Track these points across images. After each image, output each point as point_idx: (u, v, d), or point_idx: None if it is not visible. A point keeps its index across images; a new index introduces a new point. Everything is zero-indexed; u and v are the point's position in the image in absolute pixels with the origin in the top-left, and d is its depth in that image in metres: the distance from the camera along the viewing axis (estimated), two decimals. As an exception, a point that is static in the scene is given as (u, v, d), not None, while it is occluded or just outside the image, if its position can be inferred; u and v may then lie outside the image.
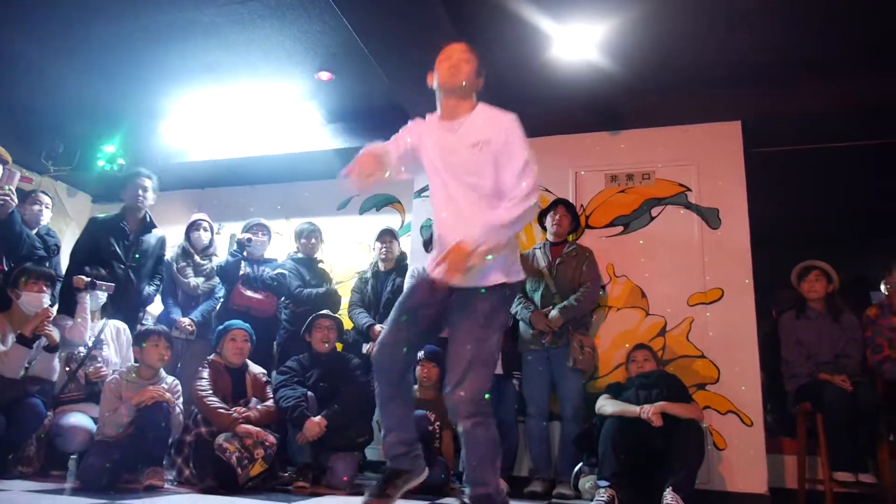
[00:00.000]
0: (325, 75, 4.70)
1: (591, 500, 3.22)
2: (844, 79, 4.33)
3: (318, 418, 3.52)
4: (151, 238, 4.37)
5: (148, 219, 4.40)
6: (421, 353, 3.89)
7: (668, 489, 3.13)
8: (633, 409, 3.43)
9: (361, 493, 3.40)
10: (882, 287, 4.37)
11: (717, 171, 4.55)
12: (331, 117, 5.40)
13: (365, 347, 4.40)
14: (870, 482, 3.54)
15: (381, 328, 4.40)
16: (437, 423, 3.78)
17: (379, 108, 5.13)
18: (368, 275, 4.73)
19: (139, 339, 3.61)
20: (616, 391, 3.68)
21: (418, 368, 3.87)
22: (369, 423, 3.95)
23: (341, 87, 4.89)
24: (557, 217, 4.24)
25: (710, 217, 4.48)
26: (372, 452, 4.46)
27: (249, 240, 4.49)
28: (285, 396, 3.58)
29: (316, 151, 5.46)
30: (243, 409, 3.48)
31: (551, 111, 4.83)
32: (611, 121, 4.74)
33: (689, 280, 4.41)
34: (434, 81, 2.42)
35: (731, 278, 4.32)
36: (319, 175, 5.83)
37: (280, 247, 5.23)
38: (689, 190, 4.58)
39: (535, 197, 2.23)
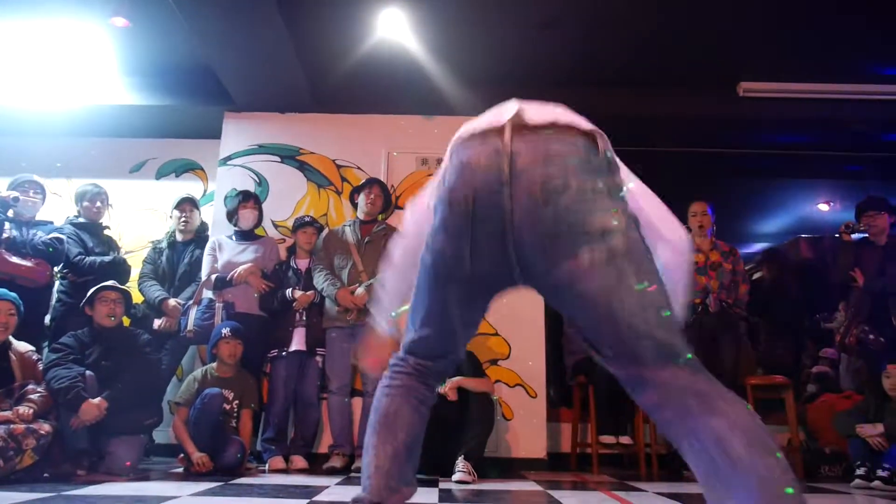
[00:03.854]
0: (119, 21, 4.22)
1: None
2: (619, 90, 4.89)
3: (97, 400, 3.21)
4: None
5: None
6: (226, 330, 3.72)
7: (460, 458, 3.37)
8: (431, 384, 3.59)
9: (146, 479, 3.22)
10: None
11: (518, 162, 4.86)
12: (127, 70, 4.88)
13: (156, 323, 4.11)
14: (627, 443, 4.17)
15: (175, 302, 4.16)
16: (236, 401, 3.65)
17: (182, 65, 4.76)
18: (164, 245, 4.41)
19: None
20: (417, 367, 3.83)
21: (222, 345, 3.68)
22: (158, 404, 3.70)
23: (140, 37, 4.44)
24: (372, 196, 4.26)
25: (511, 205, 4.80)
26: (161, 435, 4.18)
27: (17, 198, 3.91)
28: (58, 377, 3.21)
29: (108, 105, 4.92)
30: (10, 410, 3.05)
31: (370, 90, 4.85)
32: (425, 106, 4.86)
33: (489, 263, 4.68)
34: None
35: (526, 262, 4.67)
36: (111, 132, 5.25)
37: (57, 209, 4.63)
38: (493, 178, 4.85)
39: None
